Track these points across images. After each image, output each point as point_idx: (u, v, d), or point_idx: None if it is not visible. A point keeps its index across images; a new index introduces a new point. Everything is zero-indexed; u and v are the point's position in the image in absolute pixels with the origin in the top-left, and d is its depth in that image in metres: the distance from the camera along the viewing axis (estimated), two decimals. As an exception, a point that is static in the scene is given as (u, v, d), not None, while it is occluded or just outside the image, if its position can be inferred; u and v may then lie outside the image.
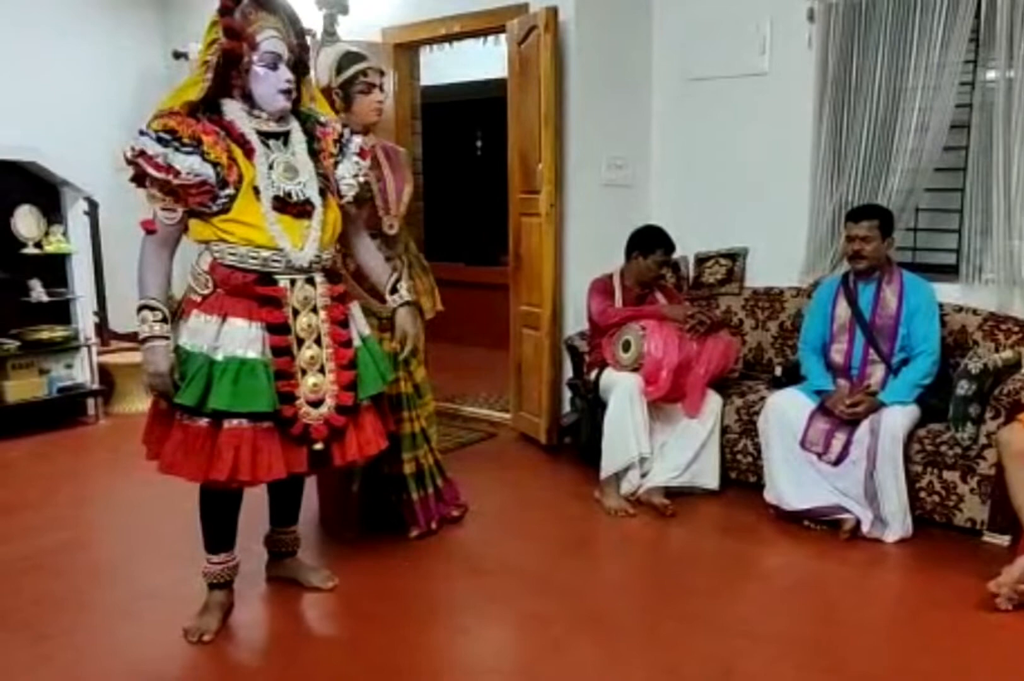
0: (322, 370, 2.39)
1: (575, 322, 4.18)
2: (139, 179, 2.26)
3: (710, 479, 3.57)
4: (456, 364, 5.80)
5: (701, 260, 4.30)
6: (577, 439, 3.96)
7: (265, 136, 2.34)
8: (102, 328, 5.13)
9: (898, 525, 3.09)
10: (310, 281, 2.37)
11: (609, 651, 2.41)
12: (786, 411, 3.30)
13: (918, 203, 3.73)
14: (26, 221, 4.54)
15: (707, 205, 4.32)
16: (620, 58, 4.34)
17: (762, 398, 3.55)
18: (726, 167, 4.26)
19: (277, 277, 2.32)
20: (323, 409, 2.39)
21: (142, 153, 2.20)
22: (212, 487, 2.38)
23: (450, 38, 4.68)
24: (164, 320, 2.29)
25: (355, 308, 2.58)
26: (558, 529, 3.33)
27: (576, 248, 4.23)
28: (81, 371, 4.75)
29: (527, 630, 2.58)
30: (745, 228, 4.21)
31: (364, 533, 3.14)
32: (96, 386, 4.78)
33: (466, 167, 7.65)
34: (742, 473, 3.63)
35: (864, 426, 3.14)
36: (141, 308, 2.28)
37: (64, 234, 4.69)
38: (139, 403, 4.85)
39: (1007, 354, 3.23)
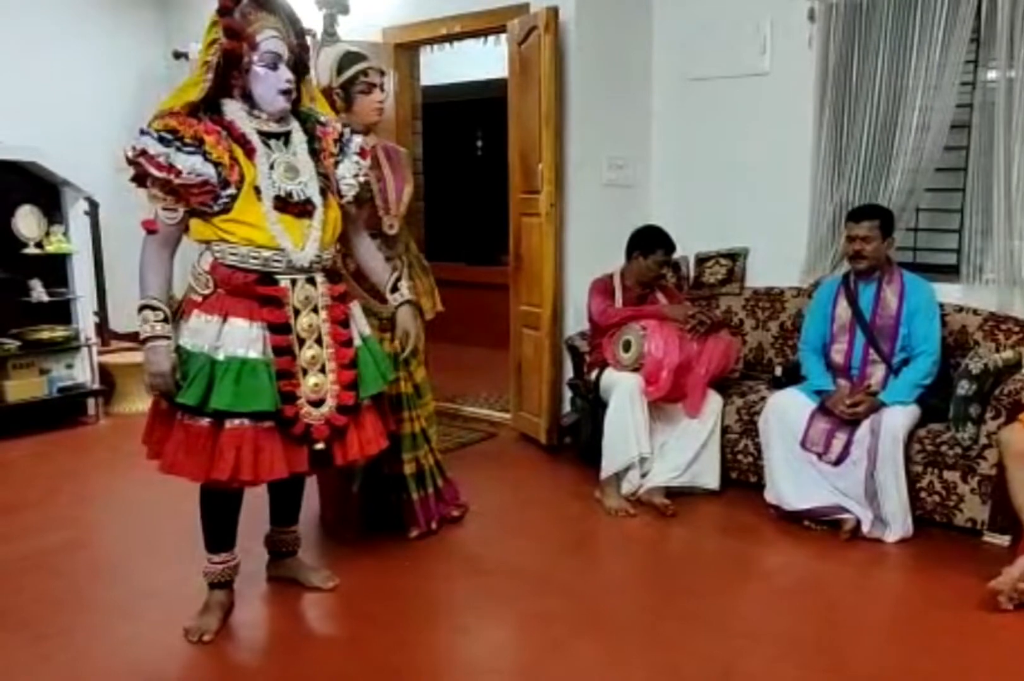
0: (323, 370, 2.39)
1: (575, 322, 4.18)
2: (140, 179, 2.26)
3: (710, 479, 3.57)
4: (456, 364, 5.80)
5: (702, 260, 4.30)
6: (577, 439, 3.96)
7: (266, 136, 2.34)
8: (102, 328, 5.13)
9: (898, 525, 3.09)
10: (311, 281, 2.38)
11: (609, 651, 2.41)
12: (786, 411, 3.30)
13: (919, 203, 3.73)
14: (27, 221, 4.54)
15: (707, 205, 4.32)
16: (621, 58, 4.34)
17: (762, 398, 3.55)
18: (727, 167, 4.26)
19: (278, 277, 2.32)
20: (324, 409, 2.39)
21: (143, 153, 2.20)
22: (213, 487, 2.38)
23: (451, 38, 4.68)
24: (165, 320, 2.29)
25: (356, 308, 2.58)
26: (558, 529, 3.33)
27: (576, 248, 4.23)
28: (81, 371, 4.75)
29: (527, 630, 2.58)
30: (746, 228, 4.21)
31: (364, 533, 3.14)
32: (96, 386, 4.79)
33: (466, 167, 7.64)
34: (742, 473, 3.63)
35: (864, 426, 3.14)
36: (142, 308, 2.28)
37: (65, 234, 4.69)
38: (139, 403, 4.85)
39: (1007, 354, 3.23)
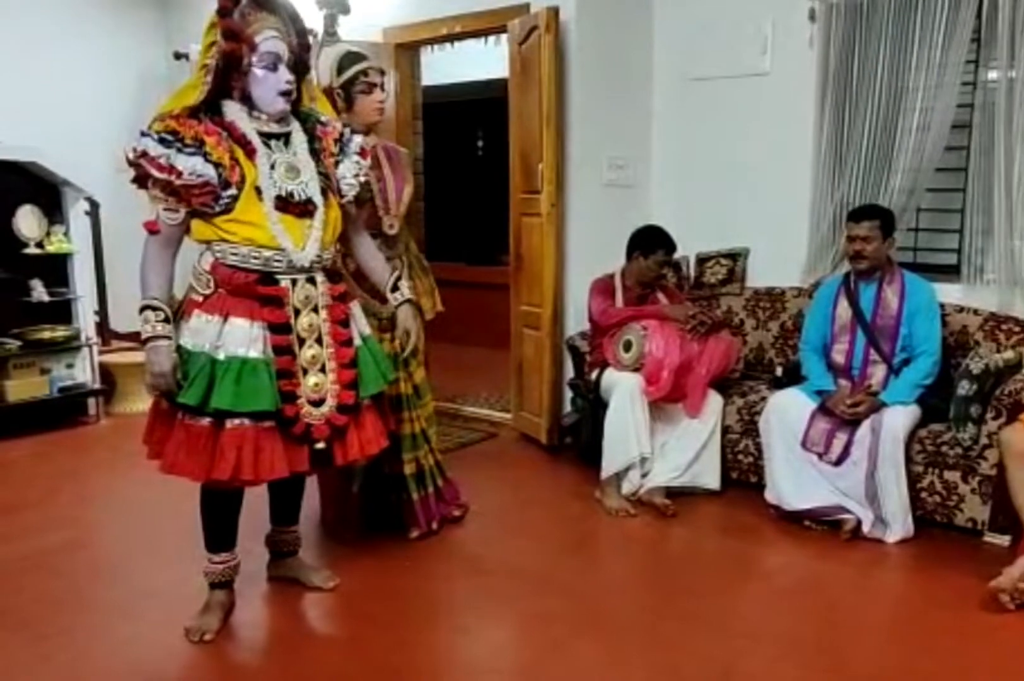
0: (323, 369, 2.40)
1: (576, 322, 4.18)
2: (141, 180, 2.26)
3: (711, 479, 3.57)
4: (457, 364, 5.80)
5: (702, 260, 4.30)
6: (578, 439, 3.96)
7: (266, 137, 2.34)
8: (103, 328, 5.13)
9: (899, 525, 3.09)
10: (311, 281, 2.38)
11: (610, 651, 2.41)
12: (787, 411, 3.30)
13: (919, 203, 3.73)
14: (27, 221, 4.55)
15: (708, 205, 4.32)
16: (621, 58, 4.34)
17: (763, 398, 3.55)
18: (727, 167, 4.26)
19: (278, 277, 2.32)
20: (324, 408, 2.39)
21: (144, 154, 2.20)
22: (213, 487, 2.38)
23: (451, 38, 4.68)
24: (166, 320, 2.29)
25: (356, 307, 2.58)
26: (559, 529, 3.33)
27: (577, 248, 4.23)
28: (82, 371, 4.75)
29: (527, 630, 2.58)
30: (746, 228, 4.21)
31: (364, 533, 3.14)
32: (97, 386, 4.79)
33: (467, 167, 7.64)
34: (743, 473, 3.63)
35: (865, 426, 3.14)
36: (143, 308, 2.29)
37: (65, 234, 4.70)
38: (140, 403, 4.85)
39: (1008, 354, 3.23)
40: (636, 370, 3.46)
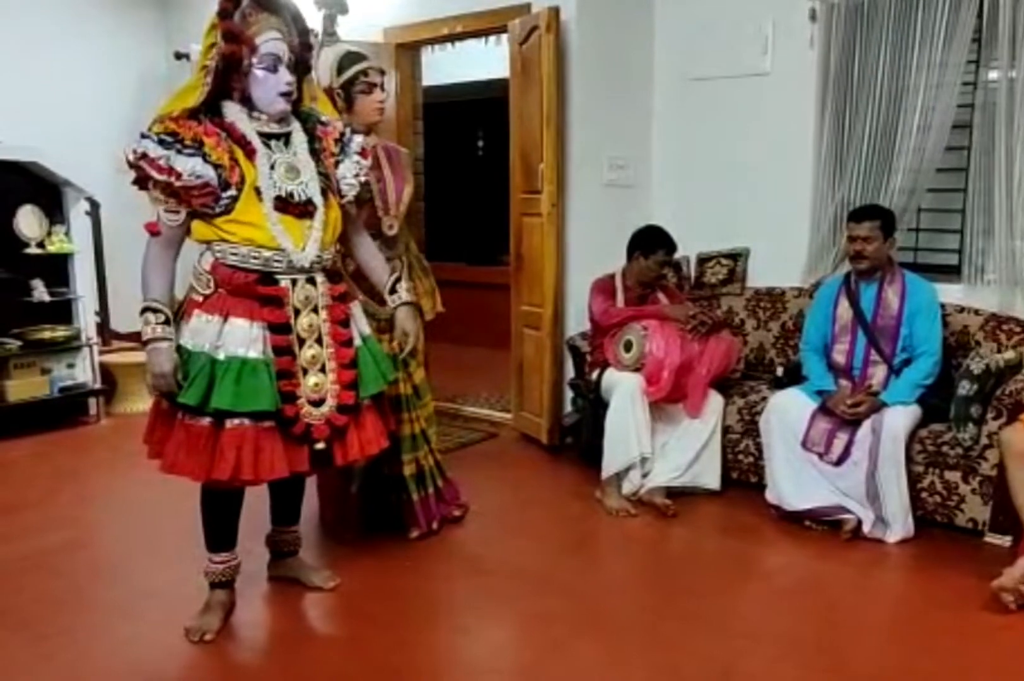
0: (323, 369, 2.40)
1: (576, 322, 4.18)
2: (141, 182, 2.26)
3: (711, 479, 3.57)
4: (457, 364, 5.79)
5: (703, 260, 4.30)
6: (578, 439, 3.96)
7: (266, 137, 2.34)
8: (103, 328, 5.13)
9: (899, 525, 3.09)
10: (311, 281, 2.38)
11: (610, 651, 2.41)
12: (788, 411, 3.30)
13: (920, 203, 3.73)
14: (28, 221, 4.55)
15: (709, 205, 4.32)
16: (622, 58, 4.34)
17: (764, 398, 3.54)
18: (728, 167, 4.26)
19: (278, 277, 2.32)
20: (324, 408, 2.39)
21: (144, 156, 2.20)
22: (214, 487, 2.38)
23: (452, 38, 4.68)
24: (167, 322, 2.29)
25: (356, 308, 2.58)
26: (559, 529, 3.33)
27: (577, 248, 4.23)
28: (83, 371, 4.75)
29: (528, 630, 2.58)
30: (747, 228, 4.21)
31: (364, 534, 3.14)
32: (98, 386, 4.79)
33: (468, 167, 7.65)
34: (743, 473, 3.63)
35: (866, 426, 3.14)
36: (144, 310, 2.29)
37: (66, 234, 4.70)
38: (140, 403, 4.86)
39: (1009, 355, 3.23)
40: (637, 370, 3.46)
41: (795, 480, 3.25)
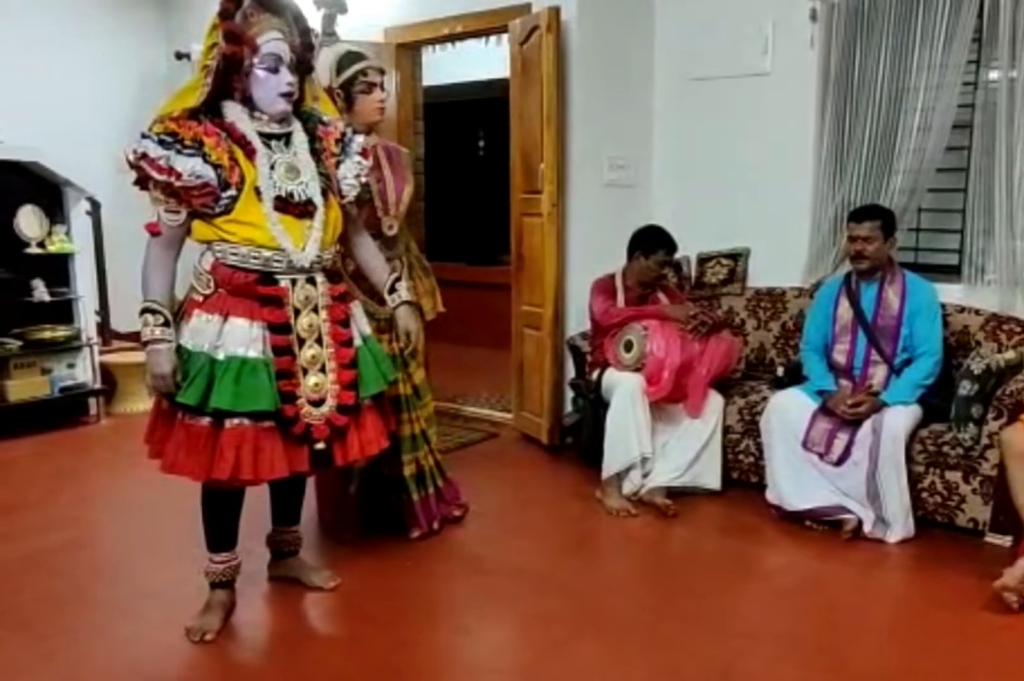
0: (323, 369, 2.39)
1: (577, 322, 4.18)
2: (142, 182, 2.27)
3: (712, 479, 3.57)
4: (457, 364, 5.79)
5: (703, 260, 4.30)
6: (579, 439, 3.96)
7: (267, 137, 2.34)
8: (104, 328, 5.13)
9: (900, 525, 3.09)
10: (311, 281, 2.38)
11: (610, 651, 2.41)
12: (788, 411, 3.30)
13: (920, 203, 3.73)
14: (29, 221, 4.55)
15: (709, 205, 4.32)
16: (622, 58, 4.34)
17: (764, 398, 3.54)
18: (728, 167, 4.25)
19: (278, 277, 2.33)
20: (324, 408, 2.39)
21: (144, 156, 2.21)
22: (214, 486, 2.38)
23: (452, 38, 4.67)
24: (166, 323, 2.29)
25: (356, 308, 2.58)
26: (559, 529, 3.33)
27: (578, 248, 4.23)
28: (83, 371, 4.75)
29: (528, 630, 2.58)
30: (747, 228, 4.20)
31: (364, 534, 3.14)
32: (98, 386, 4.79)
33: (468, 167, 7.65)
34: (744, 473, 3.63)
35: (866, 426, 3.14)
36: (143, 311, 2.29)
37: (66, 234, 4.70)
38: (141, 403, 4.86)
39: (1009, 355, 3.23)
40: (637, 370, 3.46)
41: (795, 480, 3.25)
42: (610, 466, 3.45)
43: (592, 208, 4.26)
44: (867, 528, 3.12)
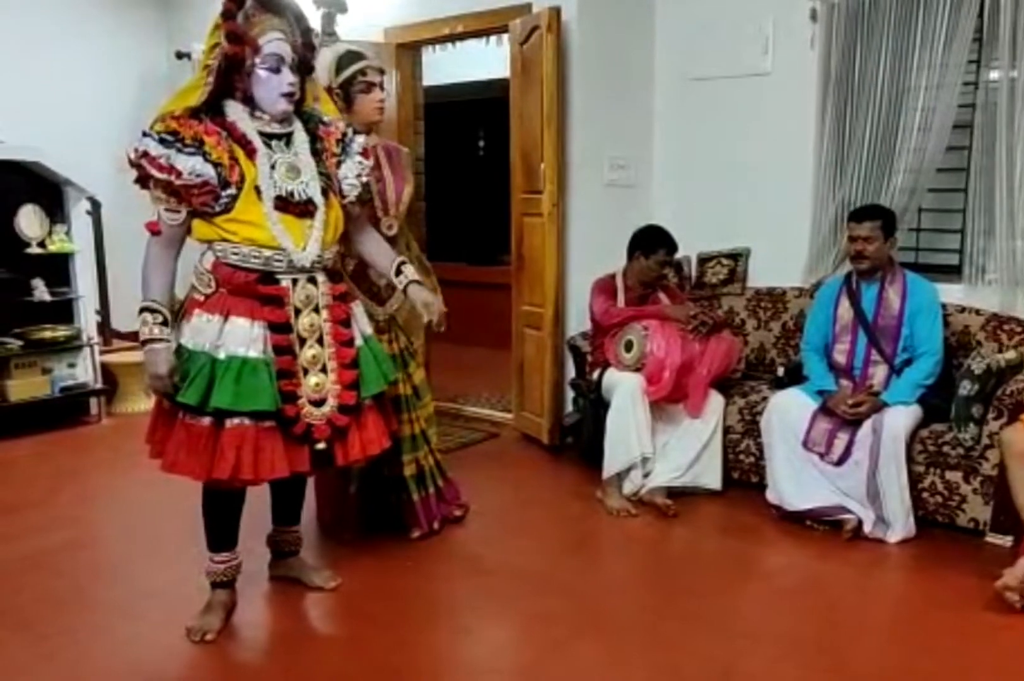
0: (324, 369, 2.40)
1: (577, 322, 4.18)
2: (143, 181, 2.27)
3: (712, 479, 3.57)
4: (458, 364, 5.79)
5: (703, 260, 4.30)
6: (579, 439, 3.96)
7: (268, 137, 2.34)
8: (104, 327, 5.13)
9: (900, 525, 3.09)
10: (312, 280, 2.38)
11: (610, 651, 2.41)
12: (788, 411, 3.30)
13: (921, 203, 3.73)
14: (29, 221, 4.55)
15: (709, 205, 4.32)
16: (622, 58, 4.34)
17: (764, 398, 3.54)
18: (728, 167, 4.25)
19: (279, 276, 2.33)
20: (325, 408, 2.39)
21: (145, 155, 2.21)
22: (215, 486, 2.38)
23: (453, 38, 4.67)
24: (164, 323, 2.30)
25: (357, 307, 2.58)
26: (560, 529, 3.33)
27: (578, 248, 4.23)
28: (84, 370, 4.75)
29: (528, 630, 2.58)
30: (747, 228, 4.20)
31: (364, 534, 3.14)
32: (99, 385, 4.79)
33: (468, 167, 7.64)
34: (744, 473, 3.63)
35: (866, 426, 3.14)
36: (142, 310, 2.30)
37: (67, 234, 4.70)
38: (141, 403, 4.86)
39: (1010, 354, 3.23)
40: (637, 370, 3.46)
41: (796, 480, 3.25)
42: (610, 466, 3.45)
43: (592, 208, 4.26)
44: (867, 528, 3.12)
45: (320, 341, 2.39)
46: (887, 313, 3.29)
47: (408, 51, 4.78)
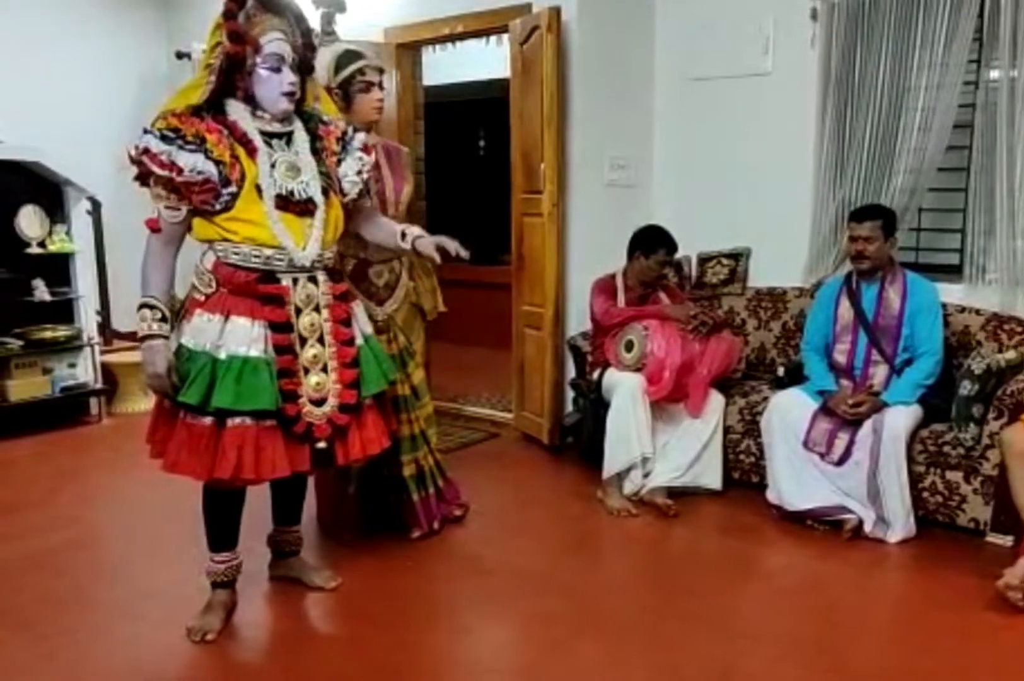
0: (325, 369, 2.40)
1: (577, 322, 4.18)
2: (143, 178, 2.27)
3: (712, 479, 3.57)
4: (458, 364, 5.80)
5: (704, 260, 4.30)
6: (579, 439, 3.96)
7: (268, 136, 2.35)
8: (105, 327, 5.13)
9: (900, 525, 3.09)
10: (312, 280, 2.38)
11: (610, 651, 2.41)
12: (789, 411, 3.30)
13: (921, 203, 3.72)
14: (29, 221, 4.56)
15: (709, 205, 4.32)
16: (622, 58, 4.34)
17: (765, 398, 3.54)
18: (729, 167, 4.25)
19: (280, 276, 2.33)
20: (326, 408, 2.39)
21: (146, 151, 2.22)
22: (216, 486, 2.38)
23: (453, 38, 4.67)
24: (163, 319, 2.30)
25: (358, 307, 2.58)
26: (560, 529, 3.33)
27: (578, 248, 4.23)
28: (84, 370, 4.75)
29: (528, 630, 2.58)
30: (748, 228, 4.20)
31: (364, 534, 3.14)
32: (99, 385, 4.79)
33: (469, 167, 7.64)
34: (744, 473, 3.63)
35: (867, 426, 3.14)
36: (141, 306, 2.30)
37: (67, 234, 4.71)
38: (142, 403, 4.86)
39: (1010, 354, 3.23)
40: (638, 370, 3.46)
41: (796, 480, 3.25)
42: (611, 466, 3.45)
43: (593, 208, 4.25)
44: (868, 528, 3.12)
45: (321, 340, 2.40)
46: (887, 313, 3.29)
47: (408, 51, 4.78)
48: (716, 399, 3.56)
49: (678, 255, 3.81)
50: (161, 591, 2.76)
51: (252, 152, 2.29)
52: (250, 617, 2.61)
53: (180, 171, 2.20)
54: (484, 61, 5.84)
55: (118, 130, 5.02)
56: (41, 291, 4.55)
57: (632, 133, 4.44)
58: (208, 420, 2.28)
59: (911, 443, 3.13)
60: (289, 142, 2.38)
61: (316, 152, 2.42)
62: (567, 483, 3.78)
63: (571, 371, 4.21)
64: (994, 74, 3.49)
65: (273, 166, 2.31)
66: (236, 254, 2.29)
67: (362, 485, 3.12)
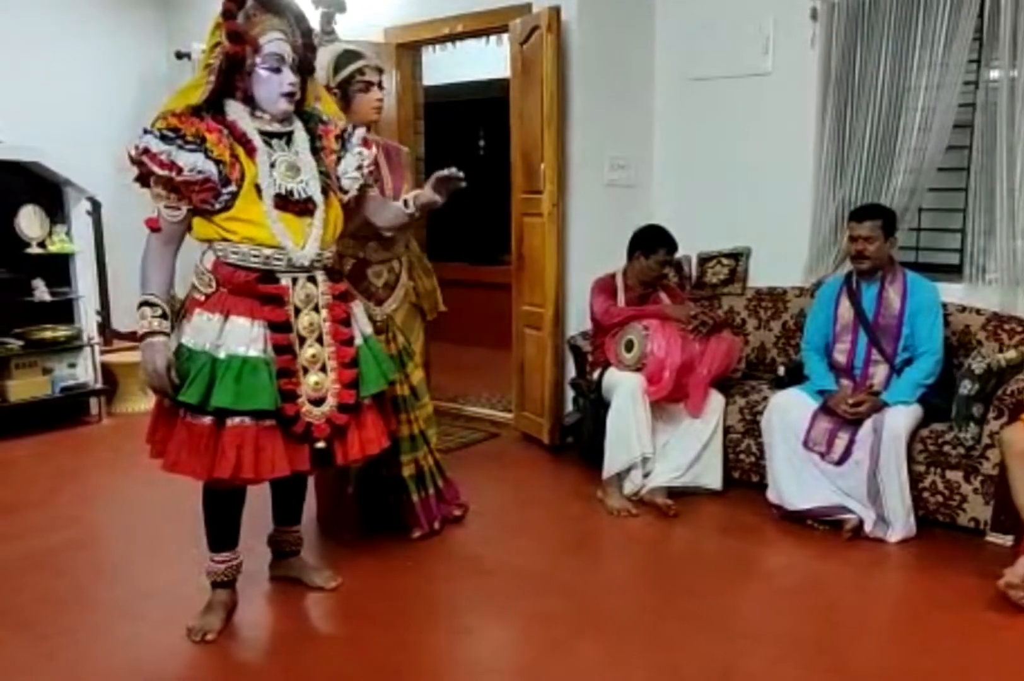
0: (324, 369, 2.40)
1: (577, 322, 4.18)
2: (143, 178, 2.27)
3: (713, 479, 3.57)
4: (458, 364, 5.80)
5: (704, 260, 4.30)
6: (579, 439, 3.96)
7: (268, 136, 2.35)
8: (105, 327, 5.13)
9: (901, 525, 3.09)
10: (312, 280, 2.38)
11: (610, 651, 2.41)
12: (789, 411, 3.30)
13: (921, 203, 3.72)
14: (29, 221, 4.55)
15: (710, 205, 4.32)
16: (622, 58, 4.34)
17: (765, 398, 3.54)
18: (729, 167, 4.25)
19: (279, 275, 2.33)
20: (325, 407, 2.39)
21: (146, 151, 2.22)
22: (216, 485, 2.38)
23: (453, 38, 4.67)
24: (163, 316, 2.30)
25: (357, 307, 2.58)
26: (560, 529, 3.33)
27: (579, 248, 4.23)
28: (84, 370, 4.75)
29: (528, 630, 2.58)
30: (748, 228, 4.20)
31: (364, 534, 3.14)
32: (99, 385, 4.79)
33: (469, 167, 7.57)
34: (745, 473, 3.63)
35: (867, 426, 3.14)
36: (141, 304, 2.30)
37: (67, 234, 4.70)
38: (142, 403, 4.86)
39: (1010, 354, 3.23)
40: (638, 370, 3.46)
41: (796, 480, 3.25)
42: (611, 466, 3.45)
43: (593, 208, 4.26)
44: (868, 528, 3.12)
45: (320, 340, 2.40)
46: (887, 312, 3.29)
47: (408, 51, 4.78)
48: (716, 399, 3.56)
49: (678, 255, 3.81)
50: (161, 591, 2.76)
51: (251, 152, 2.29)
52: (250, 617, 2.61)
53: (180, 170, 2.21)
54: (484, 61, 5.83)
55: (118, 130, 5.03)
56: (41, 291, 4.55)
57: (632, 133, 4.44)
58: (208, 420, 2.28)
59: (911, 443, 3.13)
60: (289, 142, 2.38)
61: (316, 152, 2.42)
62: (567, 483, 3.78)
63: (571, 371, 4.21)
64: (994, 74, 3.49)
65: (273, 166, 2.31)
66: (235, 254, 2.30)
67: (362, 485, 3.12)
